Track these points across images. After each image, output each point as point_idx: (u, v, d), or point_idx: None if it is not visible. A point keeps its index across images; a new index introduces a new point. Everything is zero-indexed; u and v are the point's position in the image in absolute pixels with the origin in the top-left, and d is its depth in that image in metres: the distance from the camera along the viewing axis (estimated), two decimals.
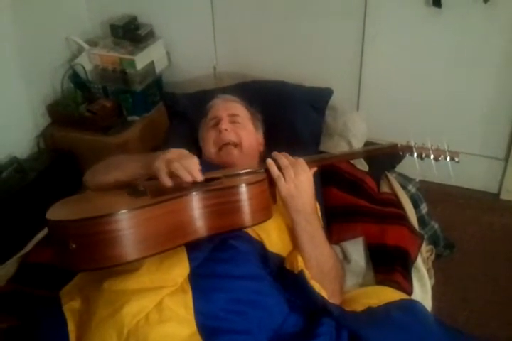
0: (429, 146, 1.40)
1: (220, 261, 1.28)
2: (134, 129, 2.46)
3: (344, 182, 1.86)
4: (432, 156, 1.39)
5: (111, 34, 2.54)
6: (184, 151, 1.29)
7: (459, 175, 2.18)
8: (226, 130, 1.64)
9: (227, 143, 1.63)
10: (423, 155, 1.39)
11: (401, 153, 1.41)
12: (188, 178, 1.21)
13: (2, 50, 2.25)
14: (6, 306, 1.48)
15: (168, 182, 1.22)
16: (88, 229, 1.11)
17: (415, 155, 1.39)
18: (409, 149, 1.40)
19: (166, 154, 1.26)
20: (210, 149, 1.66)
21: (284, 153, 1.39)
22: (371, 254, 1.63)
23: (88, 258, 1.13)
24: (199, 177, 1.22)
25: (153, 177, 1.30)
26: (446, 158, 1.38)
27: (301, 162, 1.36)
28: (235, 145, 1.63)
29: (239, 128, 1.67)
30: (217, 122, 1.67)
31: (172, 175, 1.22)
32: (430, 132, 1.42)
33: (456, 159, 1.38)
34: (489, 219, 2.38)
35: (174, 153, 1.27)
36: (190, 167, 1.22)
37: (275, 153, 1.38)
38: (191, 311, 1.19)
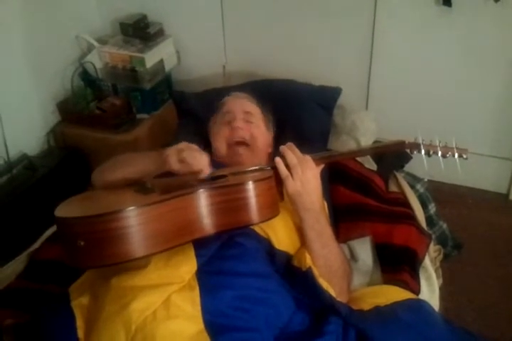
0: (437, 143, 1.39)
1: (227, 258, 1.28)
2: (143, 127, 2.47)
3: (352, 181, 1.86)
4: (439, 153, 1.38)
5: (121, 32, 2.55)
6: (196, 146, 1.29)
7: (468, 175, 2.19)
8: (240, 128, 1.63)
9: (239, 142, 1.62)
10: (431, 152, 1.38)
11: (408, 150, 1.41)
12: (196, 167, 1.21)
13: (13, 48, 2.26)
14: (15, 302, 1.49)
15: (176, 165, 1.23)
16: (96, 226, 1.11)
17: (423, 152, 1.38)
18: (416, 146, 1.39)
19: (178, 144, 1.27)
20: (221, 145, 1.65)
21: (290, 144, 1.38)
22: (379, 253, 1.63)
23: (96, 255, 1.13)
24: (207, 168, 1.23)
25: (162, 175, 1.31)
26: (454, 155, 1.37)
27: (309, 159, 1.35)
28: (246, 145, 1.63)
29: (252, 127, 1.67)
30: (231, 119, 1.67)
31: (181, 162, 1.23)
32: (439, 132, 1.42)
33: (465, 156, 1.38)
34: (498, 219, 2.37)
35: (186, 145, 1.28)
36: (200, 158, 1.23)
37: (282, 148, 1.38)
38: (198, 308, 1.19)
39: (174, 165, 1.24)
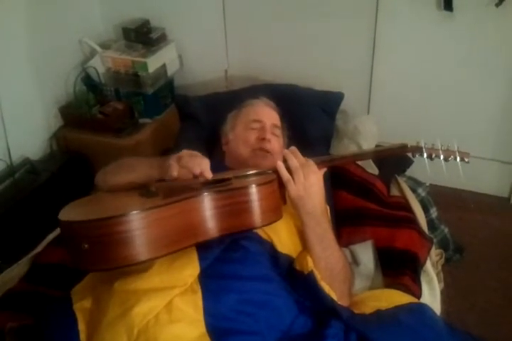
0: (439, 147, 1.39)
1: (230, 262, 1.28)
2: (145, 131, 2.47)
3: (354, 186, 1.87)
4: (441, 157, 1.38)
5: (123, 37, 2.56)
6: (197, 152, 1.31)
7: (469, 179, 2.19)
8: (269, 141, 1.65)
9: (264, 150, 1.64)
10: (433, 156, 1.39)
11: (411, 154, 1.41)
12: (197, 171, 1.24)
13: (16, 53, 2.27)
14: (17, 305, 1.49)
15: (176, 172, 1.25)
16: (100, 230, 1.12)
17: (425, 155, 1.39)
18: (419, 150, 1.39)
19: (178, 153, 1.30)
20: (245, 150, 1.66)
21: (293, 148, 1.39)
22: (380, 257, 1.63)
23: (100, 259, 1.14)
24: (208, 173, 1.25)
25: (164, 179, 1.32)
26: (456, 159, 1.38)
27: (311, 163, 1.35)
28: (270, 153, 1.64)
29: (276, 140, 1.70)
30: (261, 127, 1.69)
31: (182, 168, 1.26)
32: (441, 136, 1.42)
33: (466, 159, 1.38)
34: (499, 223, 2.37)
35: (186, 152, 1.30)
36: (201, 163, 1.26)
37: (285, 152, 1.38)
38: (201, 311, 1.20)
39: (175, 172, 1.26)
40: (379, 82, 2.43)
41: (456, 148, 1.39)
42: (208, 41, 2.57)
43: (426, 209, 1.93)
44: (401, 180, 2.00)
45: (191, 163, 1.25)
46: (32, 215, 2.15)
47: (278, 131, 1.73)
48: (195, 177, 1.26)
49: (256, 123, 1.71)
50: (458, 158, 1.38)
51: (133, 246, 1.13)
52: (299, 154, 1.37)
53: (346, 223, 1.75)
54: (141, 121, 2.53)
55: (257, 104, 1.80)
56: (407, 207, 1.85)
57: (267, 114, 1.75)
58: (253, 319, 1.22)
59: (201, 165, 1.25)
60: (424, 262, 1.64)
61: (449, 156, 1.38)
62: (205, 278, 1.25)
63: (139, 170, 1.39)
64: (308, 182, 1.33)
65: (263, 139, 1.65)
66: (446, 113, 2.40)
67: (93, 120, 2.44)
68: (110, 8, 2.62)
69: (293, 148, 1.40)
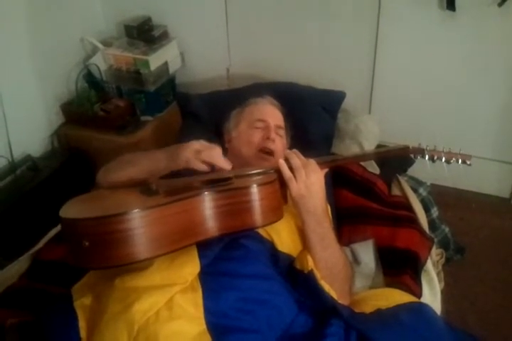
0: (441, 149, 1.39)
1: (230, 260, 1.28)
2: (146, 129, 2.48)
3: (355, 185, 1.87)
4: (443, 159, 1.38)
5: (125, 34, 2.56)
6: (205, 142, 1.34)
7: (470, 179, 2.20)
8: (273, 140, 1.66)
9: (268, 151, 1.64)
10: (435, 158, 1.38)
11: (412, 156, 1.41)
12: (222, 164, 1.29)
13: (18, 50, 2.27)
14: (18, 302, 1.49)
15: (205, 168, 1.30)
16: (101, 228, 1.12)
17: (427, 157, 1.39)
18: (420, 151, 1.39)
19: (190, 145, 1.32)
20: (247, 148, 1.66)
21: (295, 150, 1.39)
22: (381, 257, 1.63)
23: (100, 257, 1.14)
24: (228, 164, 1.30)
25: (167, 176, 1.32)
26: (457, 161, 1.38)
27: (313, 163, 1.35)
28: (272, 154, 1.64)
29: (280, 140, 1.70)
30: (265, 127, 1.69)
31: (204, 163, 1.30)
32: (442, 135, 1.43)
33: (468, 162, 1.38)
34: (500, 223, 2.37)
35: (198, 144, 1.32)
36: (218, 155, 1.30)
37: (287, 152, 1.38)
38: (201, 309, 1.20)
39: (201, 167, 1.30)
40: (380, 81, 2.43)
41: (458, 151, 1.39)
42: (209, 39, 2.57)
43: (427, 209, 1.93)
44: (402, 179, 2.00)
45: (211, 158, 1.29)
46: (33, 212, 2.16)
47: (282, 132, 1.73)
48: (212, 170, 1.30)
49: (260, 122, 1.71)
50: (460, 161, 1.38)
51: (133, 244, 1.13)
52: (300, 155, 1.37)
53: (347, 222, 1.75)
54: (143, 118, 2.53)
55: (261, 103, 1.80)
56: (408, 207, 1.85)
57: (271, 114, 1.75)
58: (253, 317, 1.23)
59: (219, 159, 1.30)
60: (425, 262, 1.64)
61: (451, 158, 1.38)
62: (206, 276, 1.25)
63: (141, 164, 1.39)
64: (310, 181, 1.33)
65: (267, 138, 1.65)
66: (448, 112, 2.40)
67: (95, 117, 2.44)
68: (112, 5, 2.62)
69: (295, 150, 1.40)
